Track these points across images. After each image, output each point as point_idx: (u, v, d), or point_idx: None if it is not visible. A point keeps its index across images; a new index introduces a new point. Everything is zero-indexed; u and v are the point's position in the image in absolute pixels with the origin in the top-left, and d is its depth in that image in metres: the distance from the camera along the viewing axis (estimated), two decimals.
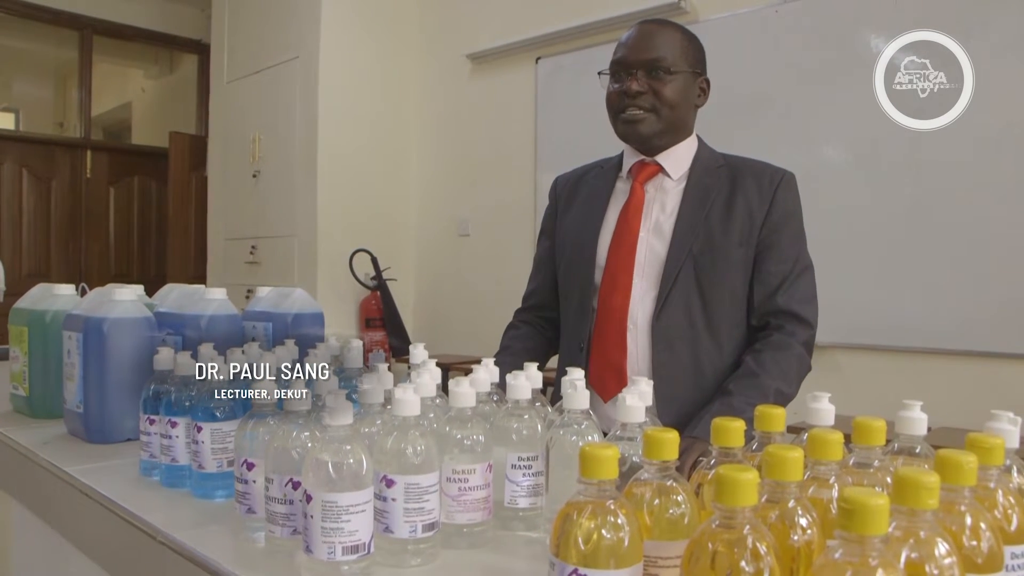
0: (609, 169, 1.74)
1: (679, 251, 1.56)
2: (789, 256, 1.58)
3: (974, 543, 0.67)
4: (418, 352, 1.30)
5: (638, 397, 0.91)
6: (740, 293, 1.57)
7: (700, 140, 1.70)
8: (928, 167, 3.22)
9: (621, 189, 1.69)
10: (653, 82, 1.57)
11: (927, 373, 3.24)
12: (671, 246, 1.57)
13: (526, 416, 1.06)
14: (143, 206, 7.16)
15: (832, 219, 3.46)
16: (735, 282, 1.56)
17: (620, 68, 1.61)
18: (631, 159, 1.68)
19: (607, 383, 1.54)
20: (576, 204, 1.76)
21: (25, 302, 1.79)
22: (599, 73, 1.68)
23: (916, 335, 3.26)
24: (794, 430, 0.99)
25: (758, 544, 0.61)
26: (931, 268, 3.21)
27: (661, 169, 1.64)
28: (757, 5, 3.73)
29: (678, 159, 1.65)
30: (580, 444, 0.95)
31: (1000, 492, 0.74)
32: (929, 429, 2.55)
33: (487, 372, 1.14)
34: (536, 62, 4.70)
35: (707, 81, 1.67)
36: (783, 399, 1.49)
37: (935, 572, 0.60)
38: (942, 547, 0.61)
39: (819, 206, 3.49)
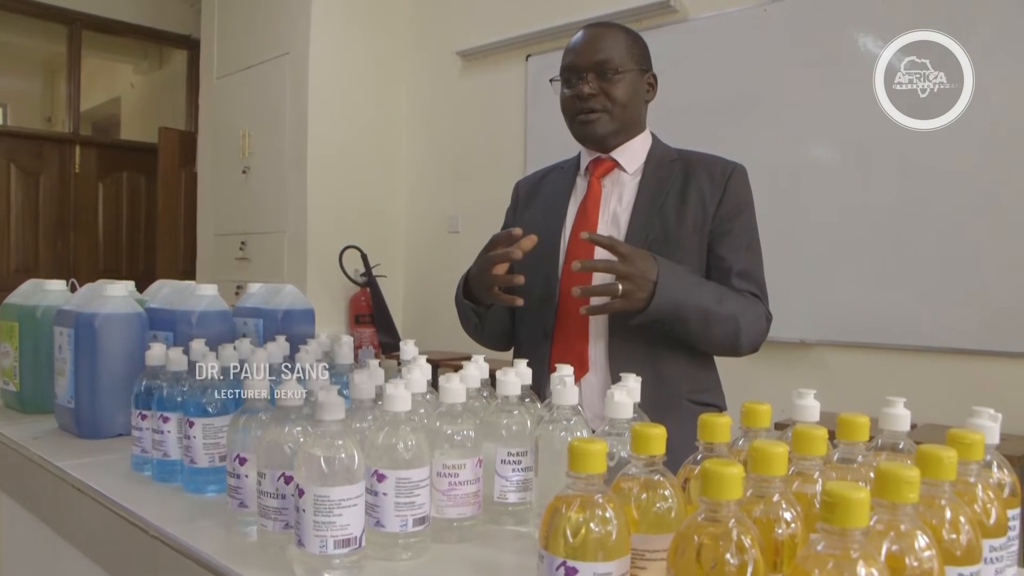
0: (569, 168, 1.81)
1: (635, 239, 1.61)
2: (741, 244, 1.64)
3: (953, 536, 0.68)
4: (408, 348, 1.32)
5: (626, 393, 0.93)
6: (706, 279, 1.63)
7: (654, 136, 1.76)
8: (920, 167, 3.23)
9: (580, 186, 1.76)
10: (603, 83, 1.64)
11: (913, 370, 3.26)
12: (627, 235, 1.63)
13: (515, 412, 1.08)
14: (132, 201, 7.12)
15: (823, 218, 3.49)
16: (690, 268, 1.61)
17: (571, 73, 1.67)
18: (588, 157, 1.75)
19: None
20: (537, 202, 1.83)
21: (15, 298, 1.79)
22: (551, 80, 1.75)
23: (902, 333, 3.29)
24: (780, 426, 1.00)
25: (743, 537, 0.63)
26: (919, 267, 3.23)
27: (617, 164, 1.71)
28: (746, 4, 3.74)
29: (633, 154, 1.71)
30: (569, 439, 0.97)
31: (980, 487, 0.76)
32: (914, 426, 2.57)
33: (477, 368, 1.16)
34: (526, 60, 4.70)
35: (654, 77, 1.74)
36: (736, 329, 1.56)
37: (915, 564, 0.62)
38: (922, 540, 0.62)
39: (810, 205, 3.53)
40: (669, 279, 1.47)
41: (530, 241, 1.51)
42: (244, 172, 5.44)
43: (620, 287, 1.43)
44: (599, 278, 1.59)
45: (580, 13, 4.28)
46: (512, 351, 1.81)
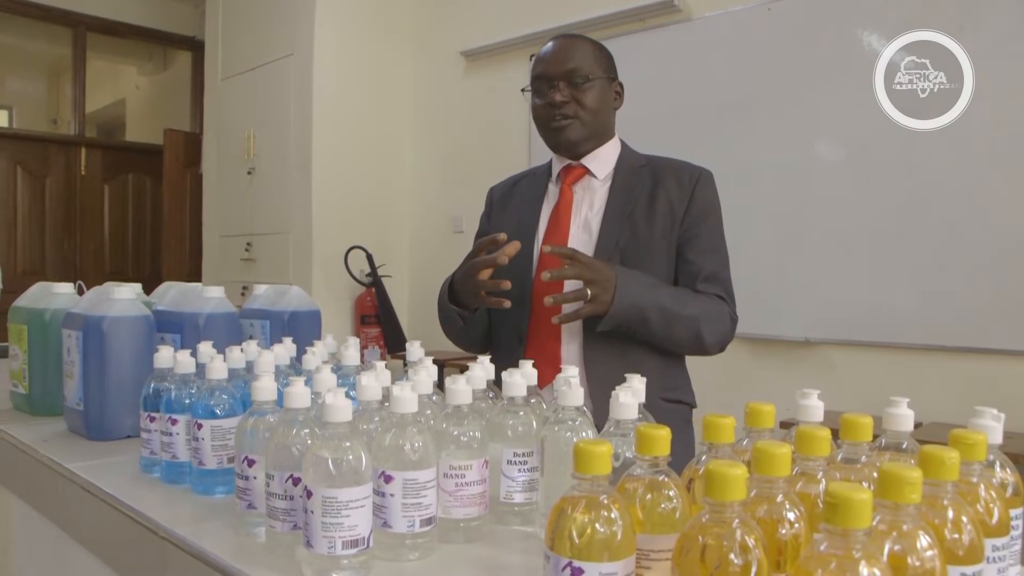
0: (541, 175, 1.86)
1: (607, 244, 1.67)
2: (709, 247, 1.70)
3: (956, 536, 0.69)
4: (415, 350, 1.32)
5: (631, 394, 0.93)
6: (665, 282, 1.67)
7: (623, 143, 1.82)
8: (922, 166, 3.24)
9: (552, 192, 1.81)
10: (574, 91, 1.69)
11: (918, 369, 3.26)
12: (599, 240, 1.68)
13: (521, 413, 1.08)
14: (138, 203, 7.16)
15: (825, 217, 3.49)
16: (659, 272, 1.67)
17: (542, 82, 1.73)
18: (559, 164, 1.80)
19: (543, 371, 1.58)
20: (511, 207, 1.88)
21: (24, 301, 1.80)
22: (522, 90, 1.82)
23: (909, 331, 3.29)
24: (786, 425, 1.01)
25: (746, 537, 0.63)
26: (922, 265, 3.23)
27: (587, 171, 1.76)
28: (749, 3, 3.74)
29: (603, 160, 1.76)
30: (574, 440, 0.97)
31: (982, 486, 0.76)
32: (920, 424, 2.58)
33: (483, 370, 1.16)
34: (530, 59, 4.70)
35: (621, 85, 1.79)
36: (696, 328, 1.61)
37: (917, 564, 0.62)
38: (924, 540, 0.63)
39: (813, 204, 3.53)
40: (628, 281, 1.54)
41: (514, 247, 1.56)
42: (249, 173, 5.45)
43: (589, 292, 1.50)
44: (568, 286, 1.64)
45: (583, 13, 4.29)
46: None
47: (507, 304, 1.59)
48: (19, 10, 6.37)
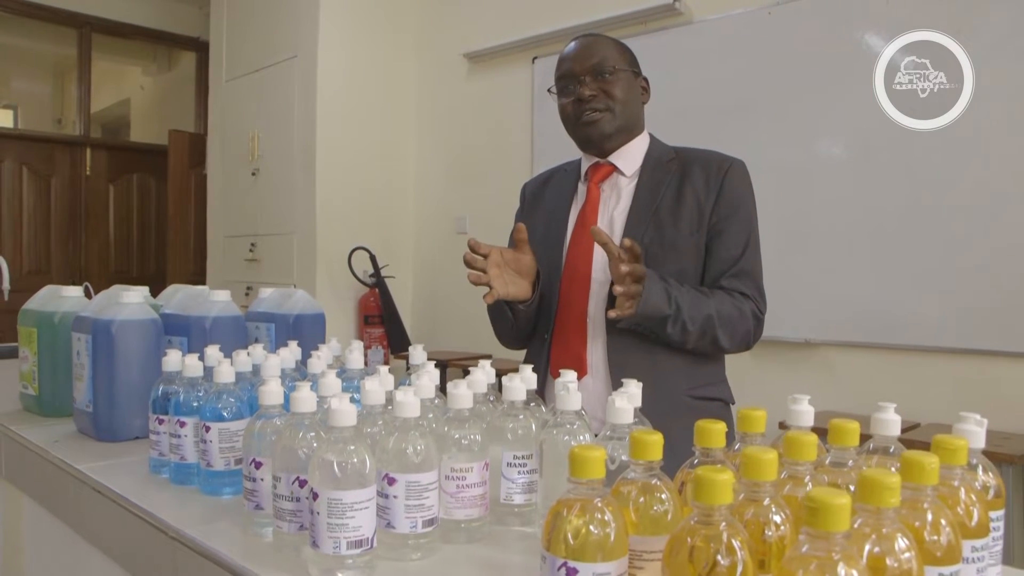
0: (571, 172, 1.85)
1: None
2: (737, 243, 1.66)
3: (935, 538, 0.72)
4: (417, 354, 1.35)
5: (627, 399, 0.96)
6: (691, 280, 1.64)
7: (652, 137, 1.79)
8: (922, 166, 3.25)
9: (581, 191, 1.80)
10: (602, 84, 1.68)
11: (916, 370, 3.28)
12: (622, 239, 1.62)
13: (521, 416, 1.11)
14: (142, 203, 7.19)
15: (825, 218, 3.51)
16: (686, 269, 1.64)
17: (568, 80, 1.72)
18: (587, 163, 1.79)
19: None
20: (541, 207, 1.87)
21: (33, 303, 1.84)
22: (548, 90, 1.79)
23: (908, 333, 3.30)
24: (785, 426, 1.04)
25: (733, 539, 0.66)
26: (922, 267, 3.25)
27: (615, 168, 1.74)
28: (750, 7, 3.76)
29: (630, 157, 1.74)
30: (572, 444, 1.00)
31: (963, 490, 0.79)
32: (917, 425, 2.58)
33: (484, 374, 1.19)
34: (533, 62, 4.73)
35: (646, 80, 1.78)
36: (712, 330, 1.58)
37: (895, 565, 0.65)
38: (902, 542, 0.66)
39: (814, 206, 3.55)
40: (652, 284, 1.51)
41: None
42: (254, 174, 5.48)
43: (640, 288, 1.48)
44: (605, 280, 1.63)
45: (586, 15, 4.31)
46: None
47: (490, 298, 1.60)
48: (24, 11, 6.40)
